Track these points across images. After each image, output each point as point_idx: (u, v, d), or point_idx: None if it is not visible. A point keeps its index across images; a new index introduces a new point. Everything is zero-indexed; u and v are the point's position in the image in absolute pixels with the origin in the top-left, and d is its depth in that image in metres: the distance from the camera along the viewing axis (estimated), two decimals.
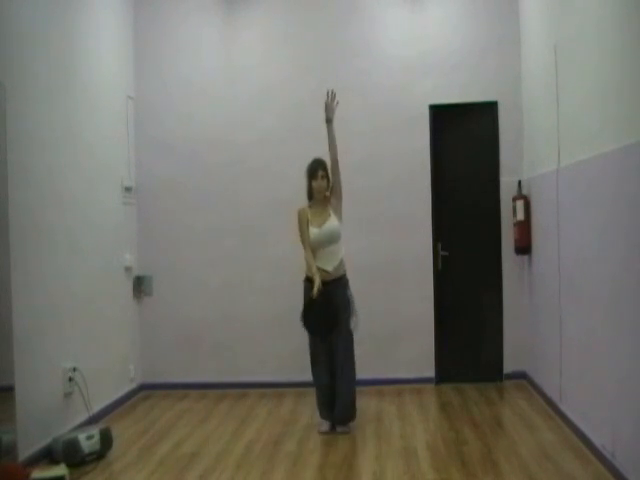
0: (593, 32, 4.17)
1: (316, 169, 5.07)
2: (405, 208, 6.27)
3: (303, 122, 6.31)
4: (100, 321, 5.49)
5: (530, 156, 6.00)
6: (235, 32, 6.43)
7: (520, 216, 5.89)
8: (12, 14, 4.36)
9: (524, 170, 6.13)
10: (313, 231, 5.01)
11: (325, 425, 5.06)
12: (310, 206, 5.13)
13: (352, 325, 5.01)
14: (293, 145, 6.31)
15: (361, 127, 6.27)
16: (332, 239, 5.00)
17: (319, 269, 4.96)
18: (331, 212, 5.06)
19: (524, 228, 5.88)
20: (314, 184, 5.07)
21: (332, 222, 5.02)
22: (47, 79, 4.78)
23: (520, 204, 5.89)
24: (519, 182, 6.07)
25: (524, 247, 5.91)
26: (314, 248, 5.01)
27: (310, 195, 5.14)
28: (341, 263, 5.04)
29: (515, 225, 5.99)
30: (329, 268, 4.99)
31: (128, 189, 6.19)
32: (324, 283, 4.93)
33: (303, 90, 6.33)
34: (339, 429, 5.01)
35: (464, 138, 6.36)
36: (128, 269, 6.14)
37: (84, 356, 5.10)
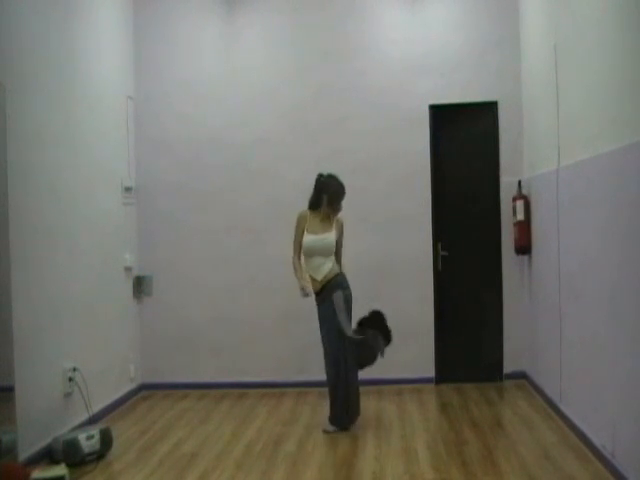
0: (593, 32, 4.17)
1: (343, 195, 5.03)
2: (405, 208, 6.27)
3: (303, 122, 6.32)
4: (100, 321, 5.49)
5: (530, 156, 5.99)
6: (235, 32, 6.43)
7: (520, 216, 5.88)
8: (12, 14, 4.36)
9: (524, 170, 6.13)
10: (309, 237, 5.01)
11: (332, 426, 5.03)
12: (311, 213, 5.10)
13: (343, 325, 4.95)
14: (293, 145, 6.32)
15: (361, 127, 6.27)
16: (325, 251, 4.99)
17: (310, 277, 5.02)
18: (334, 227, 5.05)
19: (524, 228, 5.87)
20: (336, 207, 5.02)
21: (331, 235, 5.02)
22: (47, 79, 4.78)
23: (520, 204, 5.89)
24: (519, 182, 6.07)
25: (524, 247, 5.91)
26: (306, 255, 5.03)
27: (316, 205, 5.07)
28: (330, 271, 4.99)
29: (515, 225, 5.99)
30: (318, 277, 4.99)
31: (128, 189, 6.19)
32: (314, 293, 5.04)
33: (303, 90, 6.34)
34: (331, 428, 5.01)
35: (464, 138, 6.36)
36: (128, 269, 6.14)
37: (84, 356, 5.10)
